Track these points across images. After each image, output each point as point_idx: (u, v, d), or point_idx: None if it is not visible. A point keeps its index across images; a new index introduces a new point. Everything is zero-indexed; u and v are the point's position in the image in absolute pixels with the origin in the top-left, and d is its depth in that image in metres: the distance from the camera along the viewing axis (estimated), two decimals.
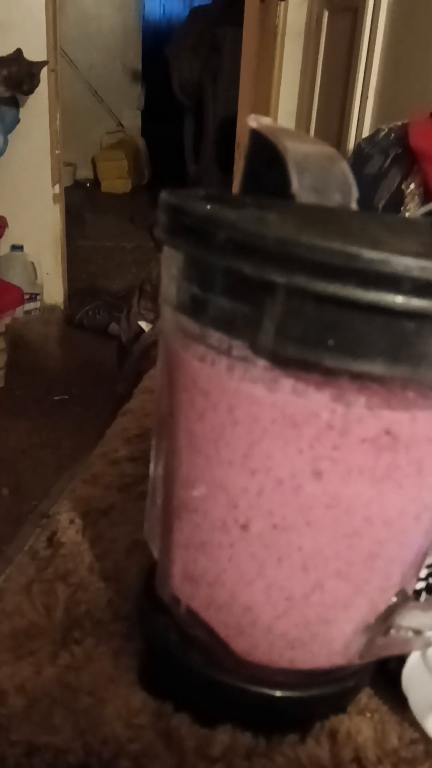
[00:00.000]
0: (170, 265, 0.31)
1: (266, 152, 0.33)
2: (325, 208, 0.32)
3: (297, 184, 0.31)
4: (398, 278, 0.24)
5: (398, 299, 0.25)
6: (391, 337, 0.26)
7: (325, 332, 0.26)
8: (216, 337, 0.29)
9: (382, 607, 0.34)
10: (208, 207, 0.28)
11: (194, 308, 0.30)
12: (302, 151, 0.32)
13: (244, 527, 0.31)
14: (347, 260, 0.24)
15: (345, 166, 0.33)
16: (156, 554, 0.37)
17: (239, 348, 0.28)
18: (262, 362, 0.28)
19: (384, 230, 0.31)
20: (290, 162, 0.31)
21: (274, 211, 0.29)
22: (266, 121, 0.35)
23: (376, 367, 0.27)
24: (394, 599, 0.34)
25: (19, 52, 2.44)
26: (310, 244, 0.25)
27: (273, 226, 0.26)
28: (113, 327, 2.43)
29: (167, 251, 0.31)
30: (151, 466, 0.37)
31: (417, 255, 0.25)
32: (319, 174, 0.32)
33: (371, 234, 0.29)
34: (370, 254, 0.24)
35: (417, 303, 0.25)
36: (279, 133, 0.33)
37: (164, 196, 0.30)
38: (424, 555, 0.34)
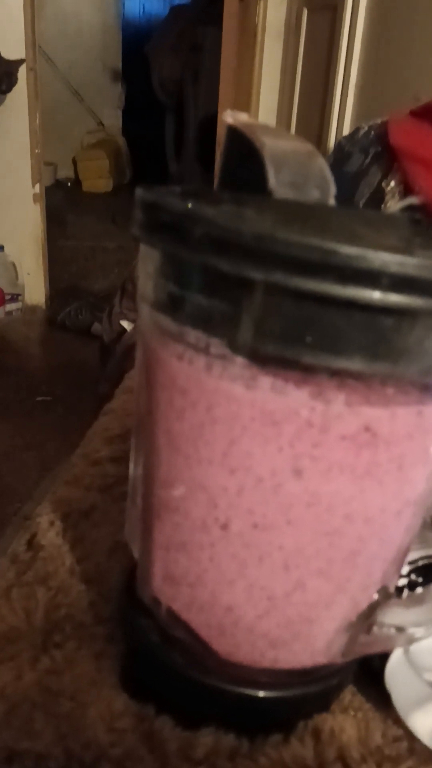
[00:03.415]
0: (147, 262, 0.31)
1: (243, 148, 0.33)
2: (302, 203, 0.31)
3: (274, 180, 0.31)
4: (376, 274, 0.24)
5: (376, 295, 0.24)
6: (369, 334, 0.26)
7: (304, 329, 0.26)
8: (194, 335, 0.29)
9: (364, 604, 0.34)
10: (184, 203, 0.27)
11: (172, 306, 0.29)
12: (279, 147, 0.32)
13: (225, 527, 0.31)
14: (324, 256, 0.24)
15: (323, 162, 0.33)
16: (136, 555, 0.37)
17: (217, 346, 0.28)
18: (240, 360, 0.28)
19: (362, 226, 0.31)
20: (267, 158, 0.31)
21: (251, 207, 0.29)
22: (243, 117, 0.34)
23: (355, 364, 0.26)
24: (376, 596, 0.34)
25: None
26: (287, 240, 0.24)
27: (250, 222, 0.26)
28: (95, 327, 2.42)
29: (144, 249, 0.31)
30: (131, 466, 0.37)
31: (394, 250, 0.24)
32: (296, 170, 0.32)
33: (349, 229, 0.29)
34: (347, 250, 0.24)
35: (395, 299, 0.24)
36: (256, 129, 0.33)
37: (140, 192, 0.29)
38: (406, 551, 0.34)
